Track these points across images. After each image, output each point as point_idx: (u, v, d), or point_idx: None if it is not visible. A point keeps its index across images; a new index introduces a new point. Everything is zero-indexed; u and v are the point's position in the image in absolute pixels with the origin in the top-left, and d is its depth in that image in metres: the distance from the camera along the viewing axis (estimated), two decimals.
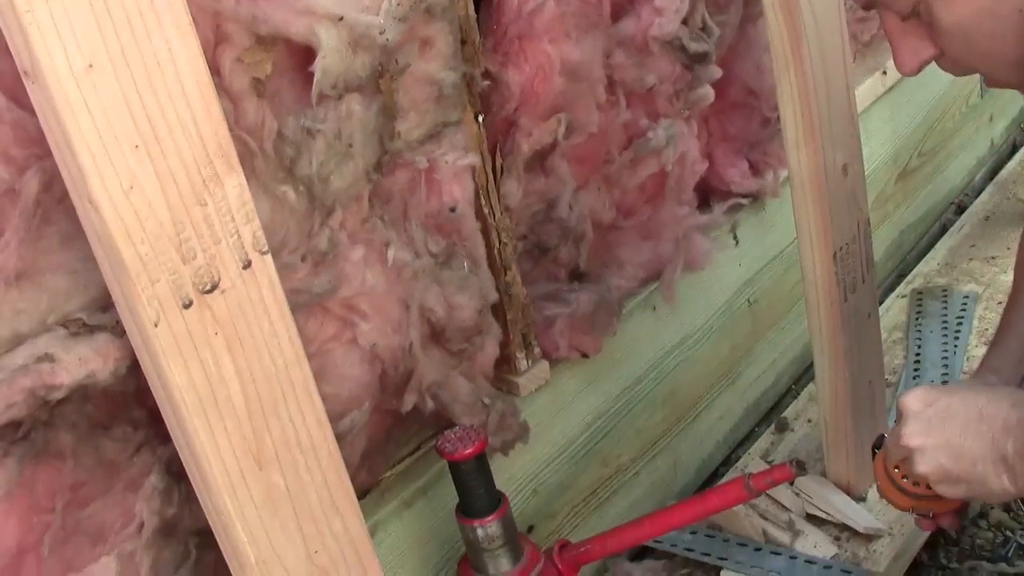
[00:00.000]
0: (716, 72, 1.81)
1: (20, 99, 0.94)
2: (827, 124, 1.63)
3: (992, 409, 1.21)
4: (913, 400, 1.27)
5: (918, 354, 2.24)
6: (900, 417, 1.28)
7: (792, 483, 1.86)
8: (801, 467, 1.43)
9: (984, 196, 2.90)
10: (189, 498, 1.15)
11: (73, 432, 1.09)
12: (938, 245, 2.72)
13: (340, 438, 1.15)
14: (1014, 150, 3.16)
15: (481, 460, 1.34)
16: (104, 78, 0.88)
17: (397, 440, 1.49)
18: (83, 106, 0.88)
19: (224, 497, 1.01)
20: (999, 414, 1.20)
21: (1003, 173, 3.00)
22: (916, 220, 2.77)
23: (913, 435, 1.25)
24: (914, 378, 2.19)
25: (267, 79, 1.14)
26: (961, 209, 2.91)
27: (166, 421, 1.01)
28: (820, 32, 1.59)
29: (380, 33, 1.19)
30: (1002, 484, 1.21)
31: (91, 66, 0.87)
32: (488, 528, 1.36)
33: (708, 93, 1.81)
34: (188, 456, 1.02)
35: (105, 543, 1.15)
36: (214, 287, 0.97)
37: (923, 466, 1.25)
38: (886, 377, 1.97)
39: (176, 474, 1.16)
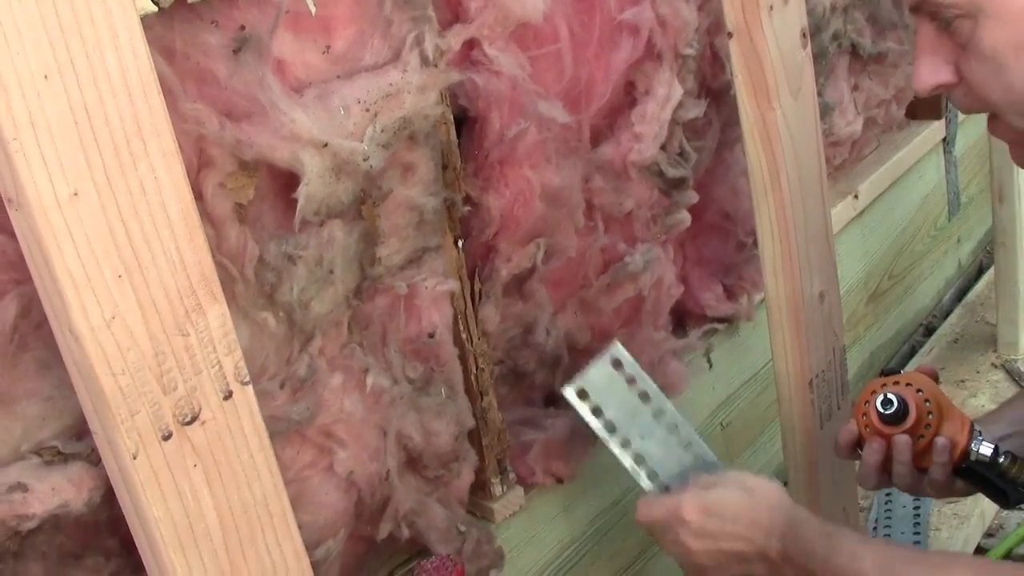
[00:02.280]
0: (693, 197, 1.82)
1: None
2: (804, 251, 1.64)
3: (755, 529, 1.38)
4: (689, 510, 1.42)
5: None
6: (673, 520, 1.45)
7: None
8: None
9: (952, 318, 2.92)
10: None
11: (43, 563, 1.06)
12: (907, 367, 2.73)
13: (315, 567, 1.13)
14: (980, 272, 3.19)
15: None
16: (89, 206, 0.87)
17: (370, 568, 1.46)
18: (67, 235, 0.87)
19: None
20: (761, 528, 1.38)
21: (970, 295, 3.03)
22: (886, 341, 2.78)
23: (690, 541, 1.43)
24: (886, 503, 2.19)
25: (249, 204, 1.13)
26: (930, 331, 2.93)
27: (141, 553, 0.99)
28: (798, 160, 1.60)
29: (364, 159, 1.19)
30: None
31: (76, 194, 0.87)
32: None
33: (685, 218, 1.82)
34: None
35: None
36: (194, 418, 0.96)
37: (702, 559, 1.43)
38: (859, 501, 1.96)
39: None
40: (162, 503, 0.95)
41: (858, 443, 1.50)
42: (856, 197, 2.50)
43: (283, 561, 1.05)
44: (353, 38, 1.21)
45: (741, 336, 2.11)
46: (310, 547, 1.24)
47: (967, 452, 1.45)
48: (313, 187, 1.15)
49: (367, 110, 1.19)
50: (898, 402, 1.44)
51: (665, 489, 1.52)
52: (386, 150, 1.22)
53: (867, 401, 1.48)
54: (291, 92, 1.14)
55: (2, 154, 0.84)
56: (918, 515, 2.14)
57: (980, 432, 1.47)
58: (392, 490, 1.35)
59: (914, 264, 2.87)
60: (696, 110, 1.76)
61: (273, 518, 1.03)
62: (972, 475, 1.47)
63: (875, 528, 2.14)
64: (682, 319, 1.98)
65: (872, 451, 1.48)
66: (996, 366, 2.68)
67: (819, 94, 2.03)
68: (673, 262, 1.87)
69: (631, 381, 1.52)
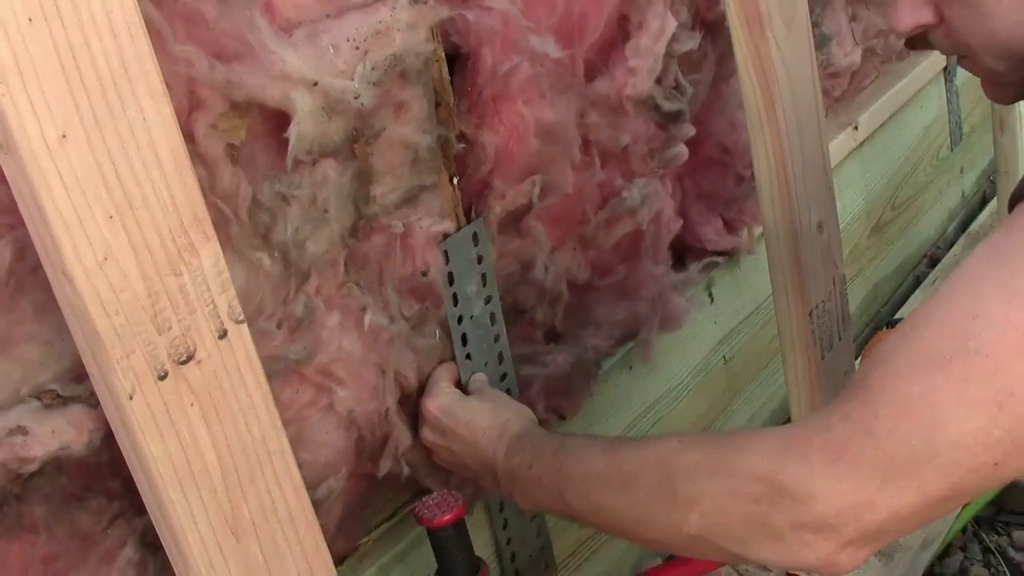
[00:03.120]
0: (690, 130, 1.81)
1: None
2: (801, 182, 1.63)
3: (486, 437, 1.35)
4: (431, 403, 1.41)
5: None
6: (420, 413, 1.43)
7: None
8: None
9: (956, 248, 2.93)
10: (164, 570, 1.13)
11: (46, 505, 1.07)
12: (912, 298, 2.74)
13: (317, 506, 1.14)
14: (984, 202, 3.18)
15: (459, 527, 1.32)
16: (78, 148, 0.87)
17: (373, 506, 1.47)
18: (57, 177, 0.87)
19: (201, 570, 1.00)
20: (490, 439, 1.35)
21: (974, 225, 3.03)
22: (890, 274, 2.78)
23: (426, 434, 1.42)
24: None
25: (241, 145, 1.13)
26: (934, 262, 2.93)
27: (141, 493, 1.00)
28: (793, 90, 1.59)
29: (355, 98, 1.19)
30: (498, 494, 1.43)
31: (64, 136, 0.87)
32: None
33: (682, 152, 1.81)
34: (164, 528, 1.00)
35: None
36: (190, 358, 0.96)
37: (436, 458, 1.43)
38: None
39: (151, 545, 1.13)
40: (160, 442, 0.95)
41: None
42: (856, 128, 2.50)
43: (283, 499, 1.06)
44: None
45: (742, 270, 2.11)
46: (311, 486, 1.25)
47: None
48: (304, 126, 1.14)
49: (357, 48, 1.19)
50: None
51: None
52: (377, 88, 1.22)
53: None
54: (280, 32, 1.13)
55: None
56: None
57: None
58: (391, 427, 1.36)
59: (916, 195, 2.87)
60: (691, 42, 1.75)
61: (272, 456, 1.04)
62: None
63: None
64: (682, 254, 1.98)
65: None
66: None
67: (816, 25, 2.03)
68: (672, 196, 1.87)
69: (479, 260, 1.48)
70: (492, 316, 1.51)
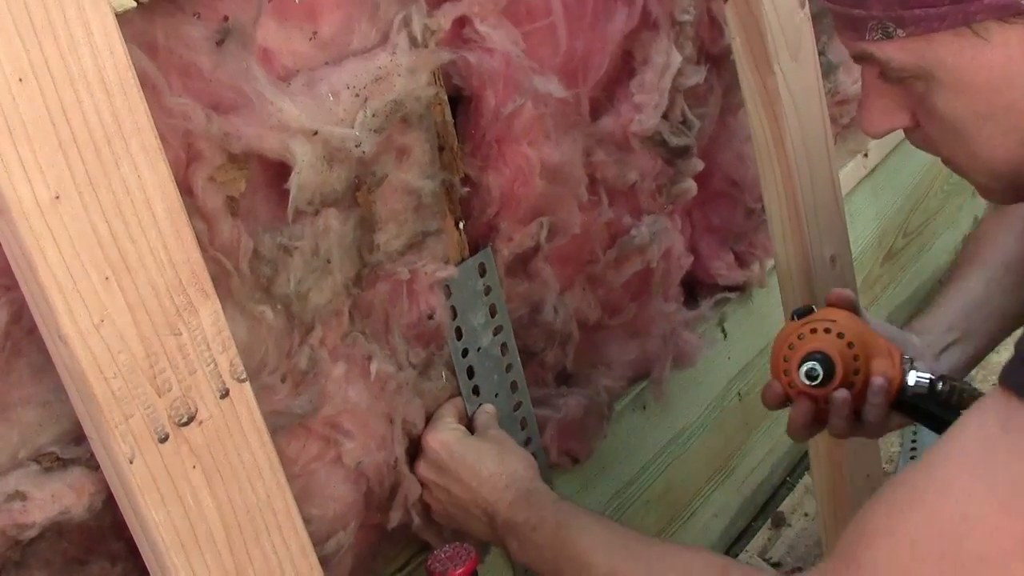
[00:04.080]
0: (698, 165, 1.79)
1: None
2: (813, 215, 1.61)
3: (490, 484, 1.33)
4: (432, 437, 1.37)
5: (914, 441, 2.22)
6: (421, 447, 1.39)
7: None
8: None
9: None
10: None
11: (47, 570, 1.05)
12: None
13: (326, 561, 1.12)
14: None
15: None
16: (71, 209, 0.85)
17: (384, 556, 1.45)
18: (50, 239, 0.85)
19: None
20: (495, 487, 1.33)
21: None
22: (904, 301, 2.75)
23: (422, 469, 1.38)
24: (912, 440, 2.17)
25: (241, 197, 1.11)
26: None
27: (144, 558, 0.98)
28: (802, 123, 1.58)
29: (356, 146, 1.17)
30: (490, 540, 1.38)
31: (58, 197, 0.85)
32: None
33: (691, 187, 1.79)
34: None
35: None
36: (191, 419, 0.94)
37: (426, 496, 1.39)
38: (883, 466, 1.94)
39: None
40: (162, 507, 0.93)
41: (786, 397, 1.43)
42: (866, 156, 2.48)
43: (289, 559, 1.03)
44: (340, 23, 1.19)
45: (755, 303, 2.09)
46: (320, 541, 1.23)
47: (903, 386, 1.38)
48: (305, 176, 1.13)
49: (357, 95, 1.17)
50: (823, 367, 1.36)
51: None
52: (378, 135, 1.20)
53: (786, 358, 1.41)
54: (278, 81, 1.12)
55: None
56: None
57: (911, 360, 1.40)
58: (401, 477, 1.34)
59: (928, 220, 2.84)
60: (696, 77, 1.73)
61: (277, 516, 1.02)
62: (909, 407, 1.40)
63: None
64: (694, 289, 1.97)
65: (801, 411, 1.40)
66: None
67: (822, 53, 2.00)
68: (681, 232, 1.85)
69: (487, 291, 1.45)
70: (503, 346, 1.49)
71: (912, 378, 1.38)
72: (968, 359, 1.51)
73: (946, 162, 1.19)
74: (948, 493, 0.94)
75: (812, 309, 1.46)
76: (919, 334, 1.52)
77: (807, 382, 1.36)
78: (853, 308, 1.46)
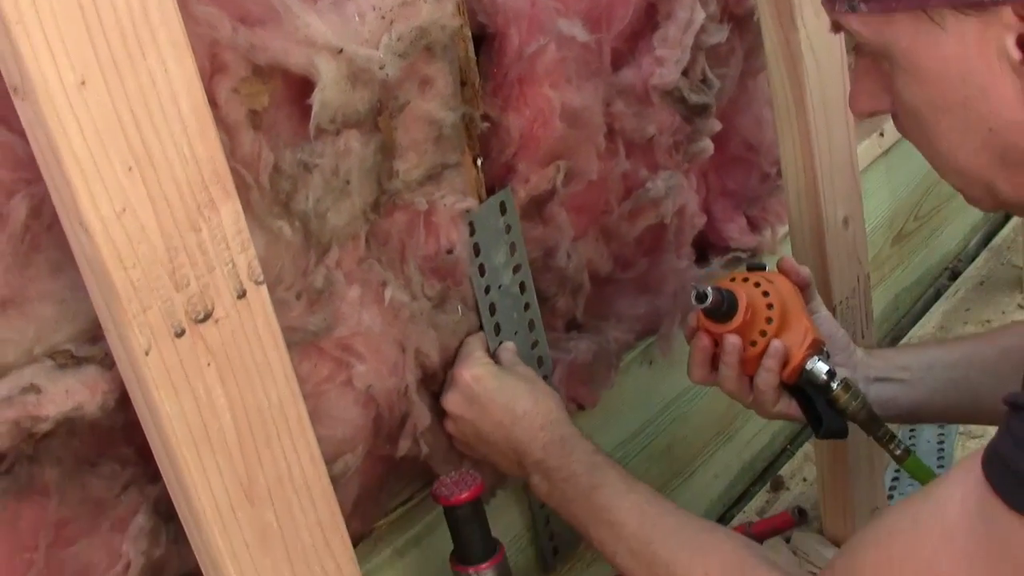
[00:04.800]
0: (716, 125, 1.79)
1: (9, 121, 0.91)
2: (828, 176, 1.62)
3: (525, 423, 1.35)
4: (467, 372, 1.38)
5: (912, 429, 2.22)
6: (451, 380, 1.40)
7: (790, 540, 1.83)
8: (802, 515, 1.40)
9: (979, 261, 2.89)
10: (177, 540, 1.12)
11: (59, 467, 1.06)
12: (933, 309, 2.71)
13: (333, 482, 1.12)
14: (1007, 217, 3.15)
15: (477, 505, 1.31)
16: (97, 95, 0.86)
17: (390, 489, 1.46)
18: (75, 124, 0.85)
19: (215, 534, 0.98)
20: (530, 426, 1.34)
21: (997, 239, 3.00)
22: (911, 284, 2.75)
23: (452, 402, 1.39)
24: (910, 440, 2.17)
25: (264, 112, 1.11)
26: (955, 275, 2.90)
27: (155, 454, 0.98)
28: (823, 82, 1.58)
29: (380, 68, 1.17)
30: (513, 474, 1.40)
31: (84, 83, 0.85)
32: (483, 575, 1.32)
33: (708, 146, 1.80)
34: (178, 491, 0.98)
35: None
36: (207, 316, 0.95)
37: (451, 428, 1.41)
38: None
39: (164, 515, 1.13)
40: (175, 400, 0.94)
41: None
42: (882, 135, 2.47)
43: (299, 467, 1.04)
44: None
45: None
46: (328, 461, 1.22)
47: (801, 368, 1.39)
48: (328, 93, 1.13)
49: (383, 17, 1.18)
50: (715, 297, 1.34)
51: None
52: (402, 60, 1.21)
53: None
54: None
55: (6, 40, 0.82)
56: (942, 450, 2.13)
57: (826, 353, 1.41)
58: (411, 406, 1.35)
59: (940, 206, 2.84)
60: (719, 35, 1.73)
61: (289, 422, 1.02)
62: (800, 393, 1.41)
63: (896, 478, 2.12)
64: (704, 252, 1.96)
65: (698, 345, 1.42)
66: (1022, 306, 2.65)
67: None
68: (696, 192, 1.85)
69: (508, 230, 1.45)
70: (522, 285, 1.50)
71: (812, 363, 1.39)
72: (900, 403, 1.50)
73: (924, 155, 1.17)
74: (935, 563, 0.98)
75: (763, 267, 1.47)
76: (872, 355, 1.52)
77: (695, 303, 1.35)
78: (803, 284, 1.47)
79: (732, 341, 1.38)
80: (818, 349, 1.40)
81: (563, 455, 1.32)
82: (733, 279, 1.43)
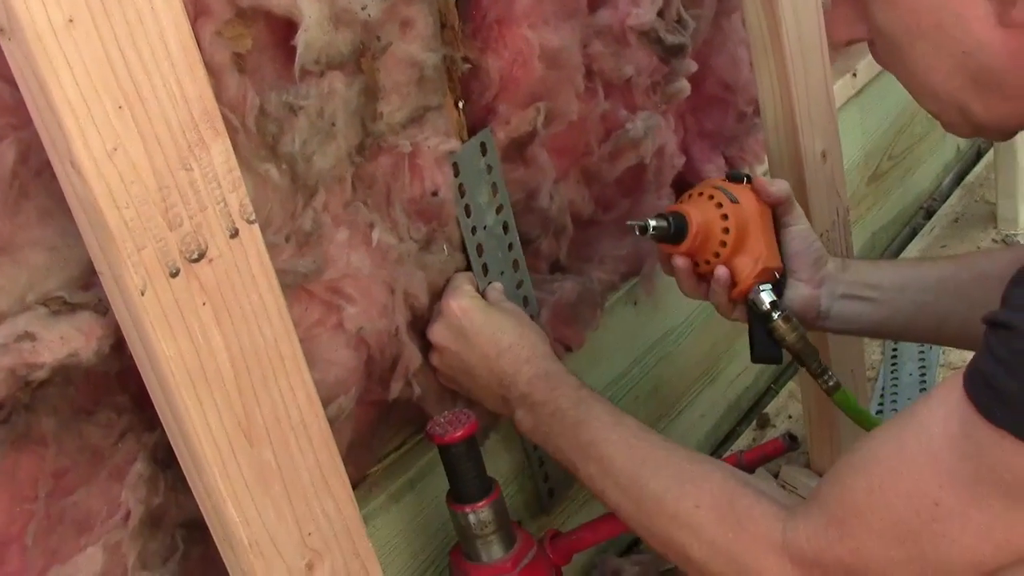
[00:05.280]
0: (692, 66, 1.79)
1: None
2: (806, 109, 1.63)
3: (510, 355, 1.35)
4: (455, 303, 1.39)
5: (895, 349, 2.24)
6: (438, 311, 1.41)
7: (778, 475, 1.85)
8: (793, 440, 1.41)
9: (952, 199, 2.92)
10: (176, 487, 1.12)
11: (55, 416, 1.05)
12: (910, 247, 2.74)
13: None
14: (979, 155, 3.17)
15: (471, 443, 1.31)
16: (85, 34, 0.85)
17: (382, 435, 1.46)
18: (64, 63, 0.85)
19: (215, 474, 0.98)
20: (515, 359, 1.35)
21: (969, 177, 3.03)
22: (888, 223, 2.77)
23: (438, 333, 1.39)
24: (892, 372, 2.19)
25: (248, 55, 1.11)
26: (929, 213, 2.92)
27: (153, 397, 0.98)
28: (798, 19, 1.59)
29: (362, 8, 1.17)
30: (497, 409, 1.39)
31: (71, 20, 0.85)
32: (480, 514, 1.33)
33: (685, 86, 1.80)
34: (176, 433, 0.99)
35: (90, 533, 1.10)
36: (201, 256, 0.95)
37: (435, 360, 1.41)
38: (866, 372, 1.96)
39: (162, 462, 1.12)
40: (172, 340, 0.94)
41: None
42: (855, 75, 2.48)
43: (296, 406, 1.04)
44: None
45: None
46: (322, 404, 1.23)
47: (747, 295, 1.44)
48: (312, 34, 1.13)
49: None
50: (659, 224, 1.41)
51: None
52: (384, 1, 1.20)
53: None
54: None
55: None
56: (924, 381, 2.15)
57: (779, 280, 1.46)
58: (402, 347, 1.35)
59: (913, 146, 2.85)
60: None
61: (284, 361, 1.03)
62: (748, 314, 1.47)
63: (882, 395, 2.14)
64: (684, 192, 1.96)
65: (660, 253, 1.50)
66: (996, 241, 2.69)
67: None
68: (674, 132, 1.85)
69: (489, 170, 1.46)
70: (504, 225, 1.50)
71: (755, 293, 1.44)
72: (864, 320, 1.53)
73: (903, 85, 1.18)
74: (922, 482, 1.00)
75: (742, 178, 1.50)
76: (846, 269, 1.53)
77: (637, 234, 1.43)
78: (775, 202, 1.48)
79: (679, 264, 1.46)
80: (767, 277, 1.44)
81: (548, 389, 1.32)
82: (701, 193, 1.46)
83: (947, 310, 1.46)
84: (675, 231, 1.41)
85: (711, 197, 1.45)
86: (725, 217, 1.43)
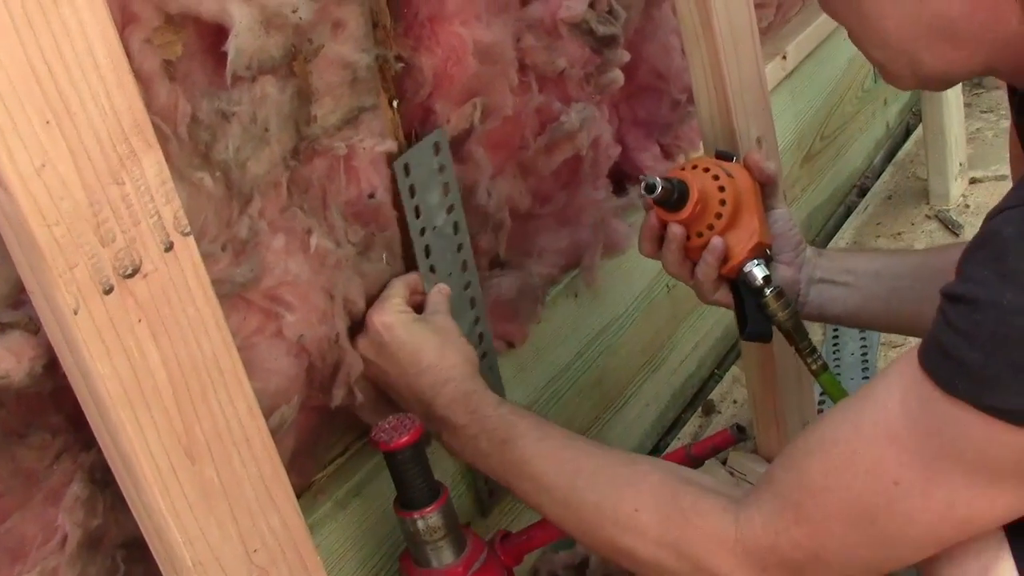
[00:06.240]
0: (625, 56, 1.78)
1: None
2: (739, 97, 1.62)
3: (430, 376, 1.33)
4: (378, 318, 1.35)
5: (836, 329, 2.25)
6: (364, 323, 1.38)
7: (726, 462, 1.85)
8: (742, 431, 1.41)
9: (885, 176, 2.95)
10: (115, 507, 1.10)
11: None
12: (845, 225, 2.76)
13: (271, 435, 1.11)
14: (908, 133, 3.20)
15: (418, 448, 1.30)
16: (8, 47, 0.82)
17: (326, 442, 1.44)
18: None
19: (155, 495, 0.96)
20: (433, 380, 1.32)
21: (900, 154, 3.06)
22: (823, 202, 2.79)
23: (362, 346, 1.36)
24: (834, 352, 2.20)
25: (178, 62, 1.09)
26: (863, 191, 2.95)
27: (89, 418, 0.96)
28: (728, 6, 1.58)
29: (293, 11, 1.15)
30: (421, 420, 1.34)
31: None
32: (428, 519, 1.31)
33: (618, 76, 1.79)
34: (114, 454, 0.96)
35: (26, 560, 1.08)
36: (135, 271, 0.92)
37: (366, 371, 1.37)
38: None
39: (100, 482, 1.10)
40: (107, 360, 0.91)
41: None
42: (784, 58, 2.49)
43: (237, 419, 1.02)
44: None
45: None
46: (264, 414, 1.20)
47: (740, 269, 1.43)
48: (243, 39, 1.10)
49: None
50: (664, 187, 1.38)
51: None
52: (315, 2, 1.18)
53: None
54: None
55: None
56: (865, 360, 2.16)
57: (769, 257, 1.46)
58: (343, 354, 1.33)
59: (844, 125, 2.87)
60: None
61: (224, 375, 1.00)
62: (736, 290, 1.46)
63: (823, 393, 2.14)
64: (621, 183, 1.96)
65: (648, 223, 1.47)
66: (929, 217, 2.72)
67: None
68: (609, 123, 1.84)
69: (441, 170, 1.45)
70: (455, 225, 1.49)
71: (750, 266, 1.43)
72: (840, 306, 1.53)
73: (849, 34, 1.18)
74: (881, 462, 1.00)
75: (731, 157, 1.50)
76: (822, 255, 1.54)
77: (644, 193, 1.39)
78: (766, 180, 1.50)
79: (674, 231, 1.42)
80: (760, 253, 1.44)
81: (468, 411, 1.30)
82: (695, 166, 1.45)
83: (922, 297, 1.46)
84: (678, 196, 1.40)
85: (707, 170, 1.44)
86: (722, 189, 1.42)
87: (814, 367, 1.48)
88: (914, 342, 1.02)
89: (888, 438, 1.00)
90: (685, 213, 1.40)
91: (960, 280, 0.96)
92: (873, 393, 1.03)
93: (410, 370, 1.34)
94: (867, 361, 2.16)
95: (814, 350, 1.48)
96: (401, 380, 1.35)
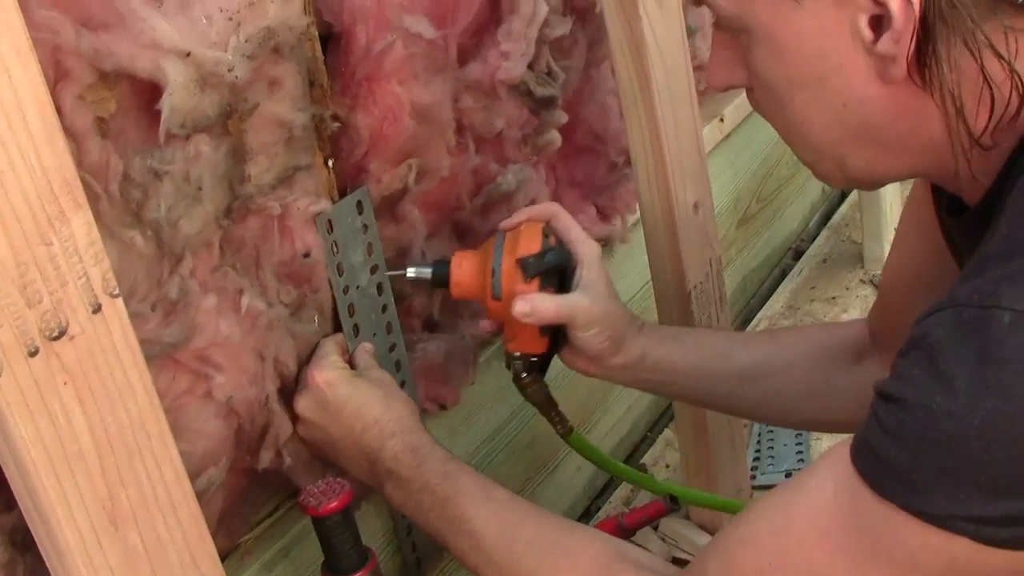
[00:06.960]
0: (562, 117, 1.79)
1: None
2: (677, 160, 1.63)
3: (376, 430, 1.32)
4: (319, 375, 1.35)
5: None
6: (303, 382, 1.37)
7: (658, 527, 1.84)
8: (674, 501, 1.41)
9: (820, 240, 2.97)
10: (35, 571, 1.07)
11: None
12: (780, 289, 2.77)
13: (197, 498, 1.09)
14: (843, 196, 3.23)
15: (347, 514, 1.28)
16: None
17: (254, 502, 1.42)
18: None
19: (77, 563, 0.94)
20: (380, 434, 1.32)
21: (835, 218, 3.09)
22: (757, 265, 2.80)
23: (302, 405, 1.35)
24: (769, 440, 2.20)
25: (111, 119, 1.08)
26: (798, 254, 2.97)
27: (11, 482, 0.93)
28: (667, 69, 1.59)
29: (228, 70, 1.14)
30: (366, 482, 1.35)
31: None
32: None
33: (555, 138, 1.80)
34: (36, 519, 0.94)
35: None
36: (62, 333, 0.91)
37: (302, 431, 1.37)
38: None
39: (20, 545, 1.07)
40: (31, 424, 0.89)
41: None
42: (722, 120, 2.51)
43: (163, 485, 1.00)
44: None
45: (616, 259, 2.10)
46: (191, 476, 1.19)
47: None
48: (177, 98, 1.09)
49: (230, 19, 1.14)
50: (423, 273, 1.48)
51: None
52: (251, 61, 1.17)
53: None
54: (151, 0, 1.09)
55: None
56: (801, 452, 2.15)
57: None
58: (272, 416, 1.32)
59: (780, 188, 2.90)
60: (562, 28, 1.73)
61: (151, 439, 0.99)
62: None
63: (756, 459, 2.15)
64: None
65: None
66: (864, 281, 2.74)
67: None
68: (546, 184, 1.85)
69: (365, 229, 1.45)
70: (379, 286, 1.48)
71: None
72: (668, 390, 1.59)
73: (779, 134, 1.17)
74: (812, 560, 0.99)
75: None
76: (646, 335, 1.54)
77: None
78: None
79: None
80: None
81: (414, 465, 1.30)
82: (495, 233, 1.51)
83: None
84: (439, 279, 1.48)
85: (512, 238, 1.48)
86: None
87: (561, 431, 1.59)
88: None
89: (819, 536, 0.98)
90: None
91: (892, 378, 0.95)
92: (805, 486, 1.02)
93: (356, 426, 1.33)
94: (801, 452, 2.15)
95: (560, 415, 1.59)
96: (347, 438, 1.33)
